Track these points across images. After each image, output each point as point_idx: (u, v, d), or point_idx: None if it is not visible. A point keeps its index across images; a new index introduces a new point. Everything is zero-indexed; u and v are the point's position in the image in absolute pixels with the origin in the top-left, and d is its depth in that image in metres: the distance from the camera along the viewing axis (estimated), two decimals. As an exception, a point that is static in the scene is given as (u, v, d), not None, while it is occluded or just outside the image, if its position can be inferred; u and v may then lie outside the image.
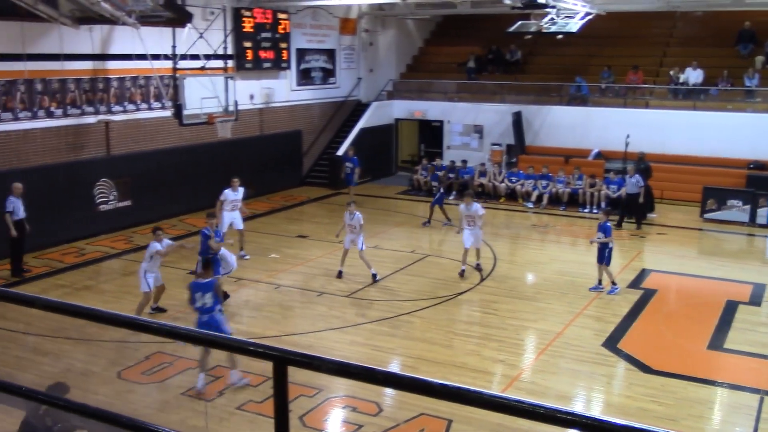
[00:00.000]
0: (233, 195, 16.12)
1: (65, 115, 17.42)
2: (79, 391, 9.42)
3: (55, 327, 11.29)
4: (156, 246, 12.41)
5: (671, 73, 24.21)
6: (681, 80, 23.96)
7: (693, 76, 23.79)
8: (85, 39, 17.52)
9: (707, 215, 19.85)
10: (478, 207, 15.13)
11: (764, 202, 19.27)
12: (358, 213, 14.72)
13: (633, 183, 19.19)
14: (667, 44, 26.61)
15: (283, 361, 2.40)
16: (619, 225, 18.88)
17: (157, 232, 12.76)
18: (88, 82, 17.88)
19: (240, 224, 16.24)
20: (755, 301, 13.79)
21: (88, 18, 15.87)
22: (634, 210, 19.23)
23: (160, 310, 13.05)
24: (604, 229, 13.96)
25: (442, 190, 19.55)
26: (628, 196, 19.32)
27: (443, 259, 16.34)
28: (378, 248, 17.10)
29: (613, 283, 14.05)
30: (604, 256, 13.97)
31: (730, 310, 13.18)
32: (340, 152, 24.56)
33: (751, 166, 21.58)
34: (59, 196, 16.91)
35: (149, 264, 12.42)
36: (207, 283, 9.73)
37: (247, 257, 16.16)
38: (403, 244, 17.65)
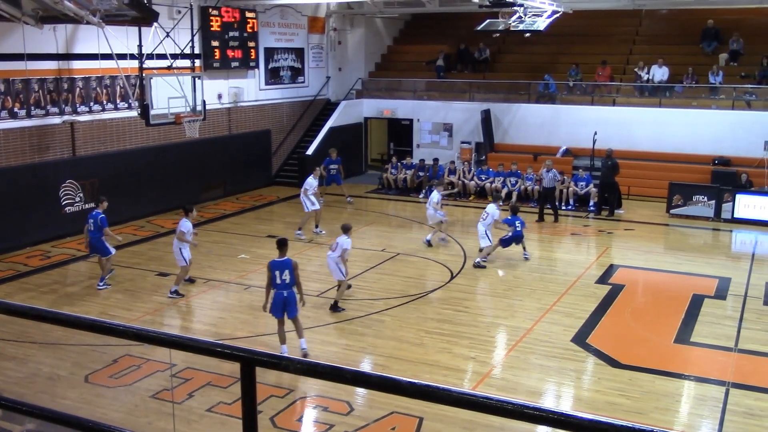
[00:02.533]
0: (314, 181, 18.10)
1: (29, 115, 17.14)
2: (46, 396, 9.29)
3: (20, 331, 11.11)
4: (188, 225, 13.79)
5: (636, 70, 24.51)
6: (645, 77, 24.24)
7: (658, 73, 24.10)
8: (49, 38, 17.25)
9: (673, 211, 20.13)
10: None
11: (729, 198, 19.59)
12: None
13: (551, 177, 19.95)
14: (634, 42, 26.94)
15: (250, 361, 2.39)
16: (540, 218, 19.86)
17: (193, 211, 14.31)
18: (53, 82, 17.61)
19: (317, 204, 18.20)
20: (720, 294, 14.01)
21: (51, 17, 15.60)
22: (551, 203, 20.16)
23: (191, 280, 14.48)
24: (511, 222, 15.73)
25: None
26: (545, 190, 20.09)
27: (414, 257, 16.37)
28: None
29: (484, 259, 15.58)
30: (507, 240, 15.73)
31: (696, 304, 13.38)
32: (310, 151, 24.50)
33: (716, 162, 21.92)
34: (24, 198, 16.63)
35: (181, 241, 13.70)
36: (285, 261, 10.79)
37: (323, 232, 18.16)
38: (373, 242, 17.64)
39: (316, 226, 18.41)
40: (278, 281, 10.69)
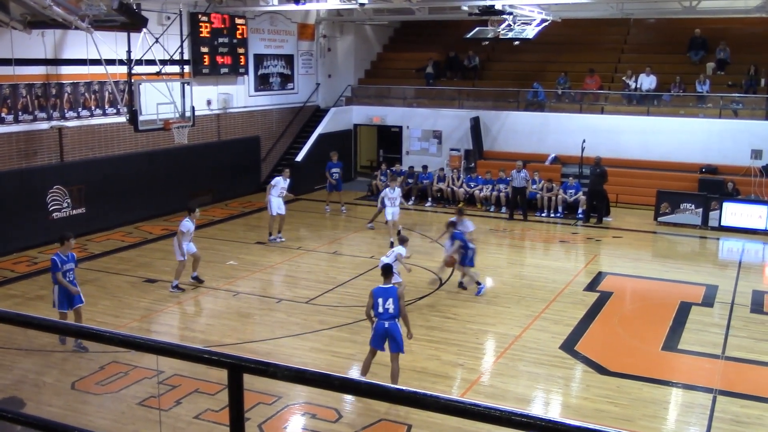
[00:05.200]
0: (283, 182, 18.15)
1: (16, 121, 17.05)
2: (32, 404, 9.21)
3: (5, 338, 11.02)
4: (190, 225, 14.33)
5: (624, 78, 24.65)
6: (633, 86, 24.37)
7: (646, 82, 24.24)
8: (37, 44, 17.18)
9: (661, 218, 20.23)
10: (469, 223, 14.95)
11: (716, 206, 19.70)
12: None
13: (521, 177, 20.83)
14: (622, 51, 27.10)
15: (237, 368, 2.37)
16: (510, 217, 20.83)
17: (196, 211, 14.71)
18: (41, 87, 17.53)
19: (283, 209, 18.05)
20: (708, 302, 14.07)
21: (39, 22, 15.56)
22: (521, 202, 21.07)
23: (199, 280, 14.66)
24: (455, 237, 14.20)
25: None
26: (515, 190, 20.93)
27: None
28: (337, 254, 17.07)
29: (478, 282, 14.31)
30: (466, 258, 14.21)
31: (683, 311, 13.44)
32: (299, 158, 24.51)
33: (703, 170, 22.05)
34: (10, 203, 16.53)
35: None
36: (390, 288, 9.91)
37: (283, 239, 18.05)
38: (362, 249, 17.63)
39: (279, 232, 18.11)
40: (380, 310, 9.75)
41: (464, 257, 14.16)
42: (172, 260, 15.41)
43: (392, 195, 18.06)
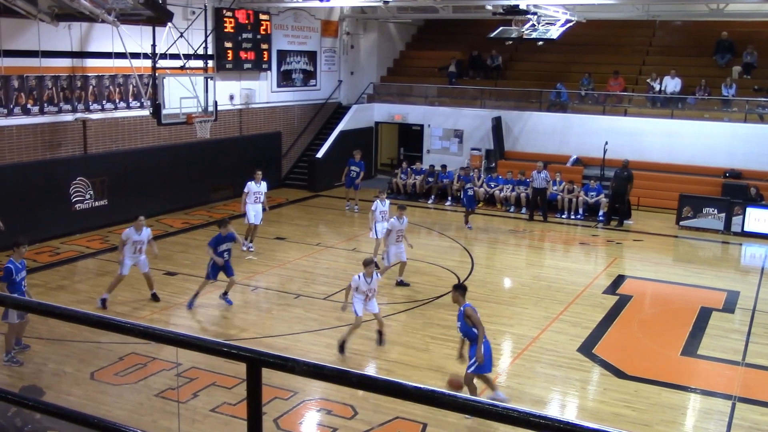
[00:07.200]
0: (256, 187, 16.90)
1: (42, 112, 17.22)
2: (51, 392, 9.31)
3: (27, 326, 11.13)
4: (129, 233, 12.92)
5: (648, 80, 24.45)
6: (657, 88, 24.16)
7: (671, 84, 24.03)
8: (64, 36, 17.34)
9: (683, 222, 20.05)
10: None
11: (739, 211, 19.50)
12: (405, 218, 14.74)
13: (542, 178, 20.74)
14: (647, 53, 26.87)
15: (256, 362, 2.38)
16: (530, 218, 20.85)
17: (140, 218, 13.09)
18: (66, 79, 17.69)
19: (259, 219, 16.96)
20: (728, 308, 13.94)
21: (67, 15, 15.72)
22: (541, 203, 21.00)
23: (156, 298, 13.37)
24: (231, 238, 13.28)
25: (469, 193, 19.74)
26: (535, 191, 20.89)
27: (421, 263, 16.34)
28: (356, 251, 17.08)
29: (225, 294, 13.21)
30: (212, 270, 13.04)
31: (703, 316, 13.32)
32: (320, 154, 24.57)
33: (727, 174, 21.83)
34: (34, 194, 16.71)
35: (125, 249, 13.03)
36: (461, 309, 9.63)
37: (252, 248, 16.80)
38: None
39: (248, 239, 16.87)
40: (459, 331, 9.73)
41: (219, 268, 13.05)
42: (192, 254, 15.55)
43: (383, 208, 16.17)
